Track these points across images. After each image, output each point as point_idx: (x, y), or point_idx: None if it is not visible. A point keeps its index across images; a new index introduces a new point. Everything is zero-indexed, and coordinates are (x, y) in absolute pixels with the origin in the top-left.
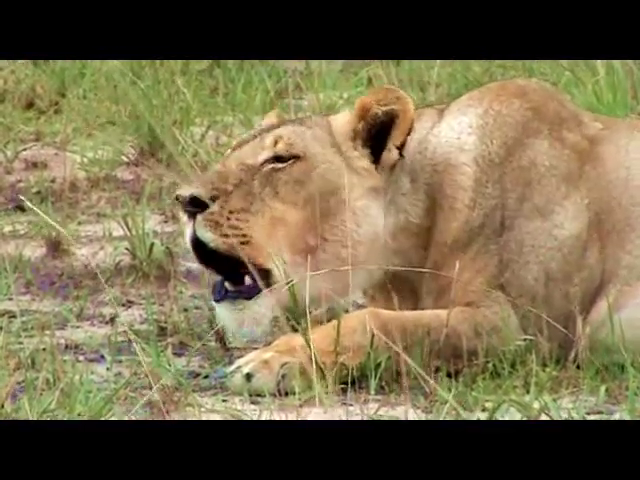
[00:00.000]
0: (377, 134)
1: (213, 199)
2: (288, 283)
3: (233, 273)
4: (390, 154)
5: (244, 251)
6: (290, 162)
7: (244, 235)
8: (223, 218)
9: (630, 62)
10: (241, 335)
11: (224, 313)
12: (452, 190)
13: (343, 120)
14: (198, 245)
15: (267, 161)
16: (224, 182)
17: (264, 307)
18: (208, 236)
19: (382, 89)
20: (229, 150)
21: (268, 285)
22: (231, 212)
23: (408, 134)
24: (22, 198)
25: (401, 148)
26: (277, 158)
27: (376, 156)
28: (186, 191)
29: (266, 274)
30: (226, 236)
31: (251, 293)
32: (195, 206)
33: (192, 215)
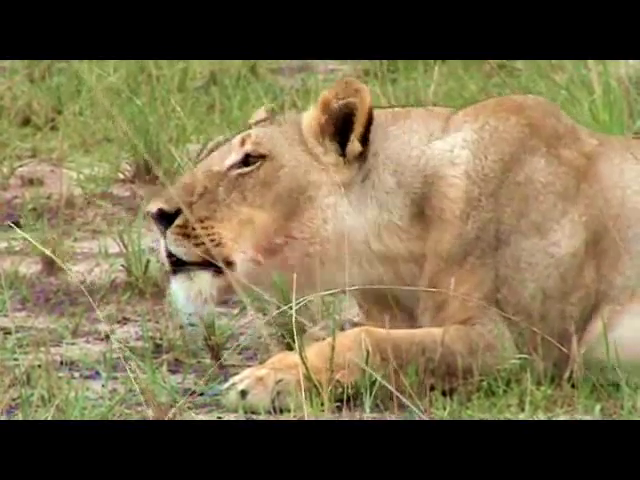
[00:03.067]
0: (341, 128)
1: (178, 212)
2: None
3: None
4: (353, 146)
5: (216, 252)
6: (257, 164)
7: (212, 240)
8: (189, 229)
9: (626, 81)
10: (188, 305)
11: (175, 284)
12: (438, 201)
13: (310, 116)
14: (172, 257)
15: (233, 166)
16: (189, 193)
17: (207, 280)
18: (180, 250)
19: (341, 82)
20: (203, 154)
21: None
22: (197, 222)
23: (367, 125)
24: (12, 225)
25: (363, 140)
26: (244, 160)
27: (343, 150)
28: (153, 206)
29: (229, 265)
30: (197, 246)
31: (204, 267)
32: (162, 220)
33: (163, 230)
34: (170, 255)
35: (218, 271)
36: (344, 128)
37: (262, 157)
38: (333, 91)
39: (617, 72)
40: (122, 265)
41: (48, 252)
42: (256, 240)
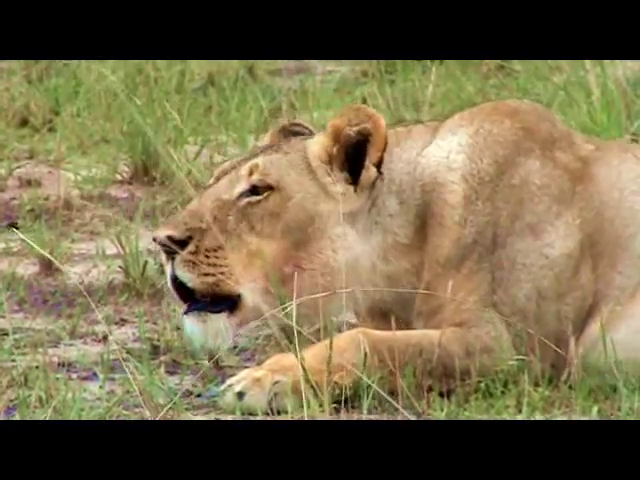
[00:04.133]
0: (353, 155)
1: (188, 239)
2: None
3: None
4: (368, 173)
5: (223, 288)
6: (265, 195)
7: (222, 273)
8: (200, 257)
9: (624, 82)
10: (204, 346)
11: (189, 324)
12: (439, 208)
13: (317, 144)
14: (178, 284)
15: (242, 194)
16: (199, 221)
17: (223, 323)
18: (187, 276)
19: (351, 109)
20: (211, 180)
21: (236, 308)
22: (207, 251)
23: (384, 150)
24: (14, 229)
25: (378, 166)
26: (252, 189)
27: (354, 178)
28: (162, 232)
29: (237, 299)
30: (205, 275)
31: (216, 308)
32: (172, 247)
33: (170, 256)
34: (175, 280)
35: (231, 310)
36: (355, 155)
37: (270, 188)
38: (344, 118)
39: (615, 74)
40: (120, 266)
41: (46, 253)
42: (267, 270)
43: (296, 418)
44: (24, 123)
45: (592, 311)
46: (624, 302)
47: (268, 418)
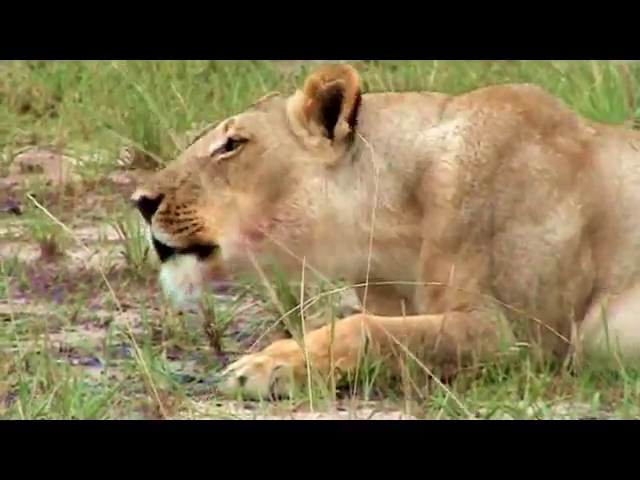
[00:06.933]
0: (328, 110)
1: (160, 198)
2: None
3: None
4: (341, 127)
5: (199, 236)
6: (239, 148)
7: (195, 224)
8: (172, 215)
9: (626, 69)
10: (175, 291)
11: (163, 271)
12: (429, 187)
13: (295, 100)
14: (159, 245)
15: (217, 151)
16: (172, 179)
17: (192, 266)
18: (163, 236)
19: (328, 65)
20: (191, 140)
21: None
22: (178, 207)
23: (356, 105)
24: (32, 198)
25: (352, 121)
26: (228, 144)
27: (331, 132)
28: (136, 194)
29: (214, 249)
30: (180, 231)
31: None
32: (146, 207)
33: (148, 217)
34: (156, 242)
35: (202, 255)
36: (331, 110)
37: (245, 141)
38: (320, 73)
39: (617, 60)
40: (121, 252)
41: (64, 227)
42: (241, 223)
43: (298, 403)
44: (26, 108)
45: (593, 297)
46: (621, 290)
47: (269, 404)
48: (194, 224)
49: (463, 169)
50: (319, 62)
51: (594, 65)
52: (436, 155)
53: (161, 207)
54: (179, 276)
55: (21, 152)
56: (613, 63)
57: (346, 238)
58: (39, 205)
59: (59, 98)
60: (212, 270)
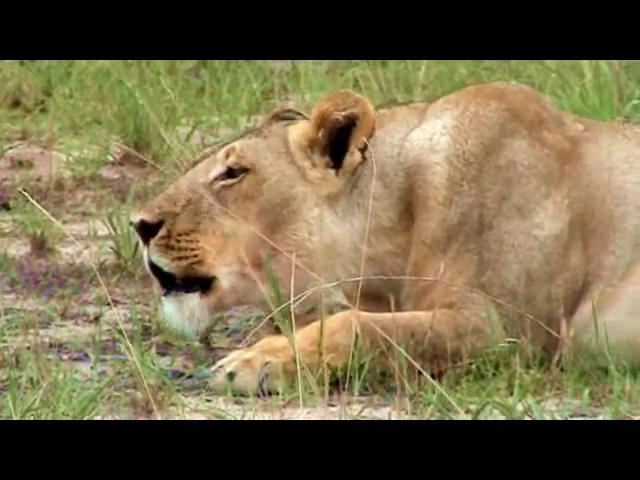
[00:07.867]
0: (336, 139)
1: (160, 223)
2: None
3: None
4: (353, 157)
5: (196, 269)
6: (240, 177)
7: (195, 255)
8: (172, 241)
9: (617, 65)
10: (182, 327)
11: (166, 306)
12: (423, 190)
13: (300, 130)
14: (155, 268)
15: (218, 178)
16: (172, 204)
17: (197, 303)
18: (161, 261)
19: (338, 94)
20: (191, 163)
21: (209, 289)
22: (179, 234)
23: (370, 135)
24: (24, 193)
25: (363, 150)
26: (228, 172)
27: (336, 161)
28: (136, 217)
29: (211, 281)
30: (179, 259)
31: (189, 288)
32: (146, 231)
33: (146, 240)
34: (152, 265)
35: (204, 289)
36: (338, 140)
37: (245, 170)
38: (332, 102)
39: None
40: (111, 247)
41: (55, 221)
42: (240, 253)
43: (288, 399)
44: (16, 104)
45: (583, 293)
46: (615, 283)
47: (259, 400)
48: (194, 255)
49: (453, 169)
50: (309, 60)
51: (584, 62)
52: (425, 156)
53: (161, 232)
54: (185, 313)
55: (11, 147)
56: (603, 60)
57: (345, 262)
58: (31, 200)
59: (49, 93)
60: (216, 304)
